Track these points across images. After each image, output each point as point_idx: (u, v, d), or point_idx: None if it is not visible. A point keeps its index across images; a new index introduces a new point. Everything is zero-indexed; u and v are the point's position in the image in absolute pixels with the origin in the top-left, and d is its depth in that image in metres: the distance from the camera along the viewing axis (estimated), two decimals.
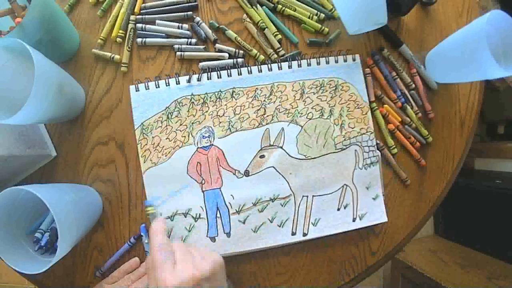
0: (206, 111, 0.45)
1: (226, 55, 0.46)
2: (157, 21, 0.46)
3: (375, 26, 0.43)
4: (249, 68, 0.45)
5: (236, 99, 0.45)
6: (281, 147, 0.45)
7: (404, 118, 0.47)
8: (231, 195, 0.44)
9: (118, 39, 0.46)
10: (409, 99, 0.48)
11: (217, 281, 0.32)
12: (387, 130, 0.47)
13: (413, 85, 0.48)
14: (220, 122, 0.45)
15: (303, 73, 0.46)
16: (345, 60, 0.47)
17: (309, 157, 0.45)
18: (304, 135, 0.45)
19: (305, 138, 0.45)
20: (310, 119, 0.45)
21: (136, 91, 0.45)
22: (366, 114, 0.46)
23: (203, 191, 0.44)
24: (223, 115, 0.45)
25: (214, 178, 0.44)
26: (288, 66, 0.46)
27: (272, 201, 0.44)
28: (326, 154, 0.45)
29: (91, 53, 0.46)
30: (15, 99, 0.37)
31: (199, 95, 0.45)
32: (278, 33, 0.47)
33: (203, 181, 0.44)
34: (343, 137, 0.46)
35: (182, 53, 0.46)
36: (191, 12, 0.46)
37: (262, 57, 0.46)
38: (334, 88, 0.46)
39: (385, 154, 0.47)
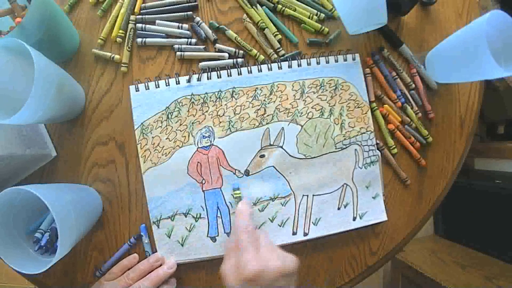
0: (206, 111, 0.45)
1: (226, 55, 0.46)
2: (157, 21, 0.46)
3: (375, 26, 0.43)
4: (249, 68, 0.45)
5: (236, 99, 0.45)
6: (281, 147, 0.45)
7: (404, 118, 0.47)
8: (232, 194, 0.44)
9: (118, 39, 0.46)
10: (409, 99, 0.48)
11: (292, 281, 0.32)
12: (387, 130, 0.47)
13: (413, 85, 0.48)
14: (220, 122, 0.45)
15: (303, 72, 0.46)
16: (345, 60, 0.47)
17: (309, 157, 0.45)
18: (304, 134, 0.45)
19: (305, 138, 0.45)
20: (310, 118, 0.45)
21: (136, 91, 0.45)
22: (366, 113, 0.46)
23: (203, 191, 0.44)
24: (223, 115, 0.45)
25: (214, 178, 0.44)
26: (288, 66, 0.46)
27: (273, 201, 0.44)
28: (326, 153, 0.45)
29: (91, 53, 0.46)
30: (15, 99, 0.37)
31: (199, 95, 0.45)
32: (278, 33, 0.47)
33: (204, 181, 0.44)
34: (343, 136, 0.46)
35: (182, 53, 0.46)
36: (191, 12, 0.46)
37: (262, 57, 0.46)
38: (334, 87, 0.46)
39: (385, 154, 0.47)
